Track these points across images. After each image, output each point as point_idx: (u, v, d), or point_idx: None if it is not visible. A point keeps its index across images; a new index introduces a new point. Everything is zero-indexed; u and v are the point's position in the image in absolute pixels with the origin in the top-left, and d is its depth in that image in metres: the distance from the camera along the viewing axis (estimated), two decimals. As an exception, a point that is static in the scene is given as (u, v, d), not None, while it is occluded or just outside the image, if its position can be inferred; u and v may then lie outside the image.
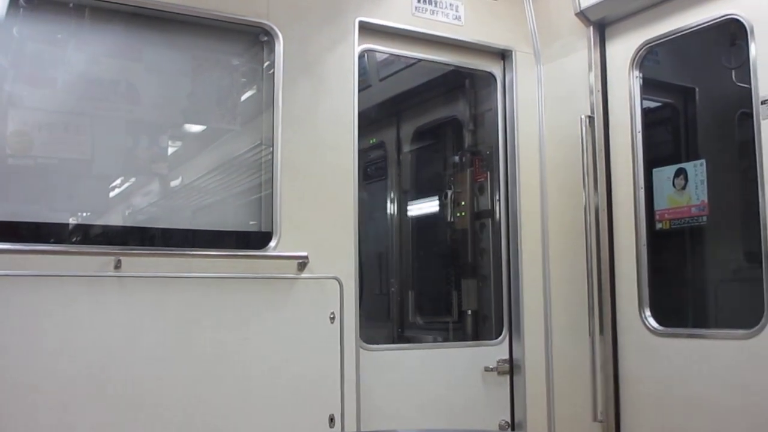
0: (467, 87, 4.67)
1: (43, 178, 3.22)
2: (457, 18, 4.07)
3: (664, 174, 3.72)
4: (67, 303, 2.97)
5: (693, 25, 3.51)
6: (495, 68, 4.28)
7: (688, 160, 3.83)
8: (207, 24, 3.50)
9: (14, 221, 3.07)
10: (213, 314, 3.25)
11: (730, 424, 3.24)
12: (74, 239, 3.22)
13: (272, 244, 3.42)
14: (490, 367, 4.05)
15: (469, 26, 4.10)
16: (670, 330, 3.58)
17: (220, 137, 3.68)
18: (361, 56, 3.83)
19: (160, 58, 3.53)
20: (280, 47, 3.52)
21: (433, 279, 5.10)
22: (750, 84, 3.22)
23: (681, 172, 3.65)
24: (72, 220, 3.30)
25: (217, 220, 3.61)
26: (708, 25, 3.46)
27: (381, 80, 4.73)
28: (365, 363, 3.62)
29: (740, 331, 3.23)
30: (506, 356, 4.11)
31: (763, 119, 3.15)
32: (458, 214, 4.69)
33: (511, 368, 4.11)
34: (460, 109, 4.80)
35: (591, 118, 3.87)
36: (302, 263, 3.43)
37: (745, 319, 3.23)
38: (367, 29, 3.81)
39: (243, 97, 3.76)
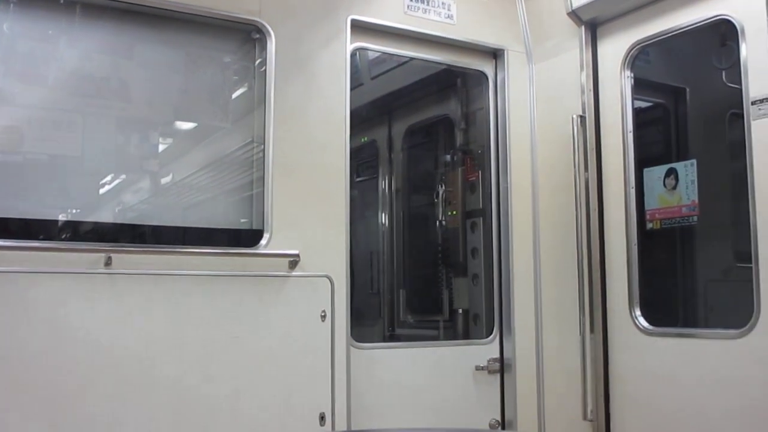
0: (459, 86, 4.68)
1: (34, 175, 3.20)
2: (450, 17, 4.07)
3: (654, 174, 3.73)
4: (57, 300, 2.96)
5: (684, 25, 3.52)
6: (487, 67, 4.29)
7: (678, 160, 3.85)
8: (199, 21, 3.49)
9: (4, 217, 3.05)
10: (203, 312, 3.24)
11: (720, 423, 3.25)
12: (64, 236, 3.21)
13: (263, 241, 3.41)
14: (481, 365, 4.06)
15: (461, 25, 4.10)
16: (660, 329, 3.59)
17: (212, 134, 3.67)
18: (353, 54, 3.83)
19: (151, 54, 3.52)
20: (271, 45, 3.51)
21: (424, 277, 5.09)
22: (740, 84, 3.24)
23: (672, 172, 3.67)
24: (62, 217, 3.28)
25: (208, 218, 3.60)
26: (699, 26, 3.47)
27: (373, 78, 4.73)
28: (356, 361, 3.62)
29: (730, 331, 3.24)
30: (497, 355, 4.12)
31: (754, 120, 3.16)
32: (449, 213, 4.69)
33: (502, 367, 4.11)
34: (452, 108, 4.80)
35: (582, 118, 3.88)
36: (293, 261, 3.43)
37: (734, 319, 3.25)
38: (360, 27, 3.81)
39: (234, 95, 3.75)
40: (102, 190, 3.41)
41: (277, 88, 3.50)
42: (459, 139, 4.71)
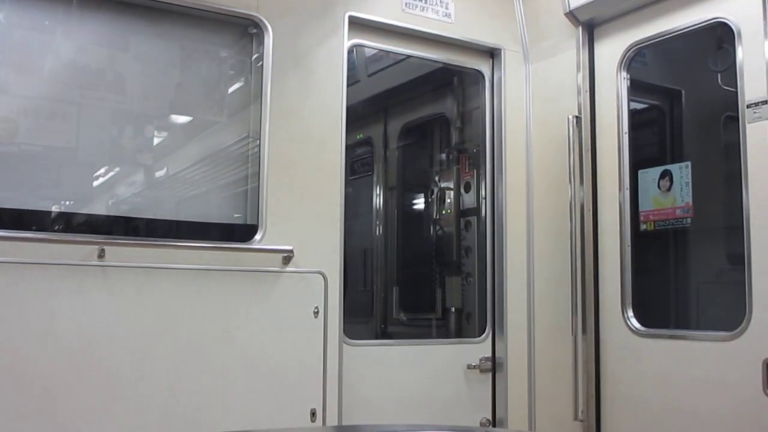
0: (455, 84, 4.68)
1: (28, 166, 3.19)
2: (447, 15, 4.07)
3: (649, 175, 3.74)
4: (50, 291, 2.95)
5: (681, 27, 3.53)
6: (483, 66, 4.29)
7: (673, 162, 3.85)
8: (196, 15, 3.48)
9: (-2, 208, 3.05)
10: (196, 306, 3.24)
11: (710, 425, 3.26)
12: (58, 227, 3.20)
13: (257, 237, 3.41)
14: (473, 364, 4.06)
15: (459, 24, 4.10)
16: (652, 331, 3.60)
17: (207, 129, 3.67)
18: (350, 51, 3.83)
19: (147, 48, 3.51)
20: (269, 40, 3.51)
21: (418, 276, 5.09)
22: (736, 87, 3.25)
23: (666, 174, 3.67)
24: (56, 208, 3.27)
25: (203, 212, 3.59)
26: (696, 28, 3.48)
27: (369, 76, 4.72)
28: (348, 358, 3.62)
29: (722, 333, 3.25)
30: (489, 354, 4.12)
31: (749, 122, 3.17)
32: (444, 212, 4.69)
33: (494, 366, 4.12)
34: (448, 107, 4.80)
35: (578, 119, 3.89)
36: (287, 257, 3.42)
37: (726, 322, 3.25)
38: (357, 24, 3.80)
39: (231, 89, 3.75)
40: (96, 182, 3.40)
41: (273, 83, 3.50)
42: (454, 137, 4.72)
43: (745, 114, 3.18)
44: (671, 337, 3.53)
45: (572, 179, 3.85)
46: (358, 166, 5.31)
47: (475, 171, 4.46)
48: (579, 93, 3.92)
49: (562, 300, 3.90)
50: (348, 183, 3.80)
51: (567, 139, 3.88)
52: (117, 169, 3.46)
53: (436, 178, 4.85)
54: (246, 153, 3.58)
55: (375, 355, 3.86)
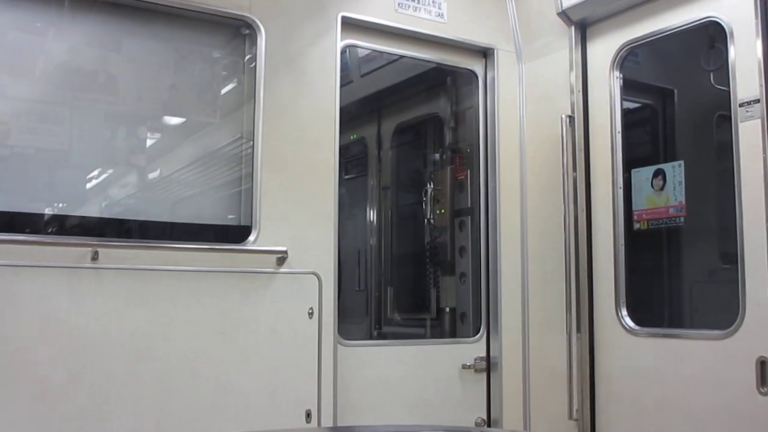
0: (449, 84, 4.68)
1: (21, 168, 3.18)
2: (440, 15, 4.07)
3: (642, 175, 3.74)
4: (43, 294, 2.94)
5: (673, 26, 3.54)
6: (477, 66, 4.29)
7: (666, 161, 3.86)
8: (188, 16, 3.47)
9: (-10, 210, 3.04)
10: (190, 308, 3.23)
11: (704, 423, 3.27)
12: (51, 230, 3.20)
13: (251, 238, 3.40)
14: (468, 364, 4.06)
15: (452, 24, 4.11)
16: (646, 329, 3.61)
17: (200, 130, 3.66)
18: (343, 52, 3.83)
19: (140, 49, 3.50)
20: (261, 41, 3.50)
21: (412, 276, 5.10)
22: (728, 86, 3.25)
23: (659, 173, 3.68)
24: (49, 211, 3.27)
25: (196, 213, 3.59)
26: (688, 27, 3.48)
27: (363, 76, 4.72)
28: (343, 359, 3.62)
29: (715, 332, 3.26)
30: (483, 354, 4.12)
31: (741, 121, 3.17)
32: (438, 212, 4.70)
33: (488, 366, 4.12)
34: (442, 107, 4.80)
35: (571, 118, 3.89)
36: (281, 258, 3.42)
37: (720, 320, 3.26)
38: (350, 25, 3.80)
39: (224, 90, 3.74)
40: (89, 185, 3.39)
41: (266, 84, 3.49)
42: (448, 137, 4.72)
43: (738, 113, 3.19)
44: (665, 335, 3.54)
45: (566, 178, 3.86)
46: (351, 167, 5.31)
47: (468, 171, 4.46)
48: (572, 92, 3.92)
49: (557, 299, 3.90)
50: (342, 183, 3.79)
51: (560, 139, 3.89)
52: (110, 170, 3.46)
53: (430, 178, 4.85)
54: (239, 154, 3.58)
55: (370, 355, 3.86)
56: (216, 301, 3.29)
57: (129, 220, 3.42)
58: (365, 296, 5.06)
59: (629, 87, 3.90)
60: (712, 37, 3.51)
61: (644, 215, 3.73)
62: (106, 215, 3.40)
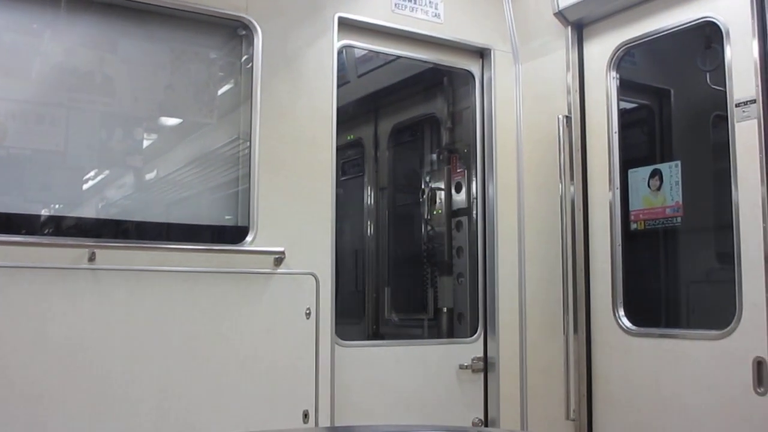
0: (446, 85, 4.68)
1: (17, 169, 3.18)
2: (437, 15, 4.07)
3: (639, 175, 3.75)
4: (40, 295, 2.94)
5: (670, 27, 3.54)
6: (473, 66, 4.29)
7: (663, 161, 3.86)
8: (184, 17, 3.47)
9: (-13, 212, 3.04)
10: (187, 308, 3.23)
11: (701, 423, 3.27)
12: (48, 231, 3.19)
13: (248, 238, 3.40)
14: (465, 364, 4.06)
15: (449, 24, 4.11)
16: (643, 330, 3.61)
17: (197, 131, 3.66)
18: (340, 52, 3.83)
19: (136, 50, 3.50)
20: (258, 41, 3.50)
21: (409, 276, 5.10)
22: (725, 87, 3.26)
23: (656, 173, 3.68)
24: (46, 212, 3.26)
25: (193, 214, 3.58)
26: (685, 28, 3.49)
27: (360, 77, 4.72)
28: (340, 359, 3.61)
29: (712, 332, 3.26)
30: (481, 354, 4.13)
31: (738, 122, 3.18)
32: (435, 212, 4.70)
33: (486, 366, 4.12)
34: (439, 107, 4.80)
35: (568, 118, 3.90)
36: (278, 258, 3.42)
37: (716, 320, 3.27)
38: (347, 25, 3.80)
39: (220, 91, 3.74)
40: (86, 186, 3.39)
41: (263, 84, 3.49)
42: (445, 138, 4.72)
43: (734, 113, 3.20)
44: (662, 336, 3.54)
45: (562, 179, 3.86)
46: (349, 167, 5.31)
47: (465, 171, 4.46)
48: (569, 93, 3.93)
49: (554, 299, 3.90)
50: (339, 184, 3.80)
51: (557, 139, 3.89)
52: (107, 171, 3.45)
53: (427, 179, 4.85)
54: (236, 154, 3.58)
55: (367, 355, 3.86)
56: (213, 301, 3.29)
57: (126, 221, 3.42)
58: (362, 297, 5.06)
59: (626, 87, 3.91)
60: (708, 37, 3.51)
61: (641, 215, 3.73)
62: (103, 216, 3.40)
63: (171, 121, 3.69)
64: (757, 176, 3.09)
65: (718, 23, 3.31)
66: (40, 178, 3.26)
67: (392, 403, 3.83)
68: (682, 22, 3.49)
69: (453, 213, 4.57)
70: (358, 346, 3.88)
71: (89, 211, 3.37)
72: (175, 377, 3.18)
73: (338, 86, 3.73)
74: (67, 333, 2.98)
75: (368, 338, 4.88)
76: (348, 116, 4.63)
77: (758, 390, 3.04)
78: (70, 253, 3.02)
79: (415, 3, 4.00)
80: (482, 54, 4.29)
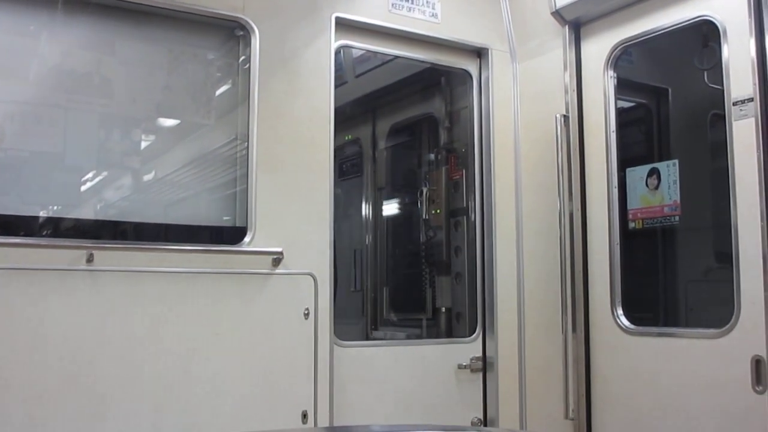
0: (443, 84, 4.68)
1: (15, 171, 3.17)
2: (434, 15, 4.07)
3: (637, 174, 3.75)
4: (38, 296, 2.94)
5: (667, 25, 3.54)
6: (471, 66, 4.29)
7: (661, 160, 3.87)
8: (182, 17, 3.47)
9: (-16, 214, 3.03)
10: (186, 309, 3.23)
11: (700, 422, 3.27)
12: (46, 232, 3.19)
13: (247, 239, 3.40)
14: (464, 364, 4.06)
15: (446, 24, 4.11)
16: (641, 329, 3.61)
17: (195, 131, 3.66)
18: (337, 52, 3.82)
19: (134, 51, 3.50)
20: (255, 42, 3.50)
21: (408, 276, 5.10)
22: (722, 85, 3.26)
23: (654, 172, 3.68)
24: (44, 213, 3.26)
25: (191, 215, 3.58)
26: (682, 26, 3.49)
27: (357, 77, 4.72)
28: (339, 359, 3.61)
29: (710, 331, 3.26)
30: (479, 354, 4.13)
31: (735, 120, 3.18)
32: (433, 212, 4.69)
33: (484, 366, 4.12)
34: (436, 107, 4.80)
35: (566, 117, 3.90)
36: (277, 259, 3.42)
37: (715, 319, 3.27)
38: (344, 25, 3.80)
39: (218, 92, 3.74)
40: (84, 187, 3.38)
41: (260, 85, 3.49)
42: (443, 137, 4.72)
43: (732, 112, 3.20)
44: (660, 335, 3.54)
45: (560, 178, 3.86)
46: (347, 167, 5.31)
47: (463, 171, 4.46)
48: (566, 92, 3.93)
49: (552, 299, 3.90)
50: (337, 184, 3.79)
51: (555, 138, 3.89)
52: (105, 173, 3.45)
53: (425, 178, 4.85)
54: (234, 155, 3.57)
55: (366, 355, 3.86)
56: (212, 302, 3.29)
57: (124, 222, 3.42)
58: (361, 296, 5.05)
59: (623, 86, 3.91)
60: (705, 35, 3.51)
61: (639, 214, 3.73)
62: (101, 217, 3.40)
63: (169, 122, 3.69)
64: (754, 174, 3.09)
65: (715, 22, 3.31)
66: (38, 179, 3.25)
67: (391, 402, 3.83)
68: (679, 21, 3.49)
69: (451, 212, 4.57)
70: (356, 346, 3.88)
71: (87, 212, 3.37)
72: (174, 378, 3.18)
73: (336, 86, 3.73)
74: (66, 334, 2.98)
75: (367, 338, 4.87)
76: (346, 116, 4.63)
77: (757, 388, 3.04)
78: (68, 255, 3.02)
79: (412, 3, 4.00)
80: (479, 53, 4.29)
